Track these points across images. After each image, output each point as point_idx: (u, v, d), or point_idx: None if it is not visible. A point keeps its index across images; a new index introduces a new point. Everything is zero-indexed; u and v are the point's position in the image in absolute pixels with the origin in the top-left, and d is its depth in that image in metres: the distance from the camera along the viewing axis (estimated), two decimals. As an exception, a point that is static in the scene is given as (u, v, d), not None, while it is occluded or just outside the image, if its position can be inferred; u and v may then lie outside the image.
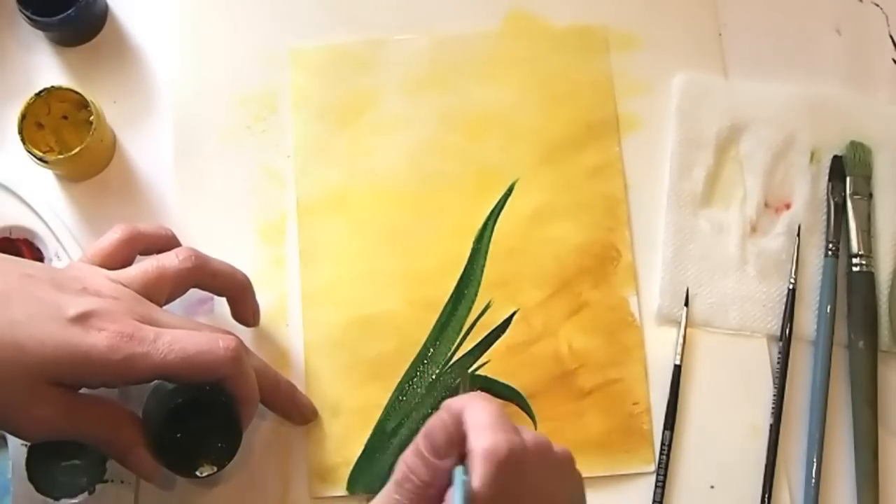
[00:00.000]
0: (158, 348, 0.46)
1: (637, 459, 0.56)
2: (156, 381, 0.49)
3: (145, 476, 0.50)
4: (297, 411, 0.56)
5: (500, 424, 0.41)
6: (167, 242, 0.54)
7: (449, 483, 0.41)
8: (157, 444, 0.49)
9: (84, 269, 0.50)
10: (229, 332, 0.51)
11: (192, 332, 0.48)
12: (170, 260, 0.51)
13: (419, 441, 0.42)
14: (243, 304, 0.55)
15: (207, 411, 0.48)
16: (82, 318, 0.46)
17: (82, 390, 0.48)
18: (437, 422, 0.42)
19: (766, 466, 0.56)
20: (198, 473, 0.49)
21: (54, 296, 0.47)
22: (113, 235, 0.52)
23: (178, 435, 0.48)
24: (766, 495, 0.55)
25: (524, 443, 0.41)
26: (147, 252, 0.53)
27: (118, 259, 0.52)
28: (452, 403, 0.43)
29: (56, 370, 0.45)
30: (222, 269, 0.53)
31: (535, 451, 0.42)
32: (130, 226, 0.53)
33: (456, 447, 0.41)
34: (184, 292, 0.52)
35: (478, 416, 0.41)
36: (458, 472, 0.40)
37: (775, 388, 0.57)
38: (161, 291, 0.51)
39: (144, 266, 0.51)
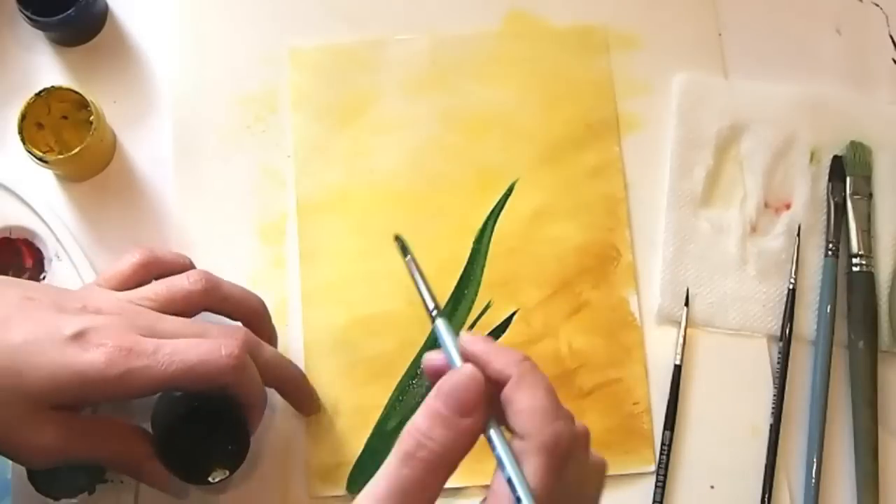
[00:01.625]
0: (159, 360, 0.46)
1: (637, 459, 0.56)
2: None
3: (160, 487, 0.49)
4: (307, 400, 0.55)
5: (557, 409, 0.38)
6: (183, 270, 0.52)
7: (470, 447, 0.38)
8: (166, 454, 0.48)
9: (92, 290, 0.50)
10: (238, 329, 0.50)
11: (193, 341, 0.47)
12: (180, 282, 0.50)
13: (435, 401, 0.38)
14: (258, 329, 0.52)
15: (214, 416, 0.48)
16: (79, 336, 0.45)
17: (86, 409, 0.47)
18: (462, 378, 0.38)
19: (766, 466, 0.56)
20: (210, 479, 0.48)
21: (53, 318, 0.46)
22: (130, 259, 0.52)
23: (187, 443, 0.48)
24: (767, 495, 0.55)
25: (576, 431, 0.39)
26: (162, 277, 0.52)
27: (132, 283, 0.51)
28: (471, 361, 0.39)
29: (56, 393, 0.45)
30: (235, 293, 0.52)
31: (584, 441, 0.40)
32: (147, 249, 0.52)
33: (483, 406, 0.38)
34: (194, 315, 0.51)
35: (532, 395, 0.38)
36: (494, 433, 0.38)
37: (775, 388, 0.57)
38: (170, 313, 0.49)
39: (154, 287, 0.50)
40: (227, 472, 0.49)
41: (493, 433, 0.38)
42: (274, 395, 0.56)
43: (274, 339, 0.55)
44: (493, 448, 0.38)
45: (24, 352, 0.45)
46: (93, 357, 0.45)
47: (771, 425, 0.56)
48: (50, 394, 0.45)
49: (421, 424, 0.38)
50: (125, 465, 0.49)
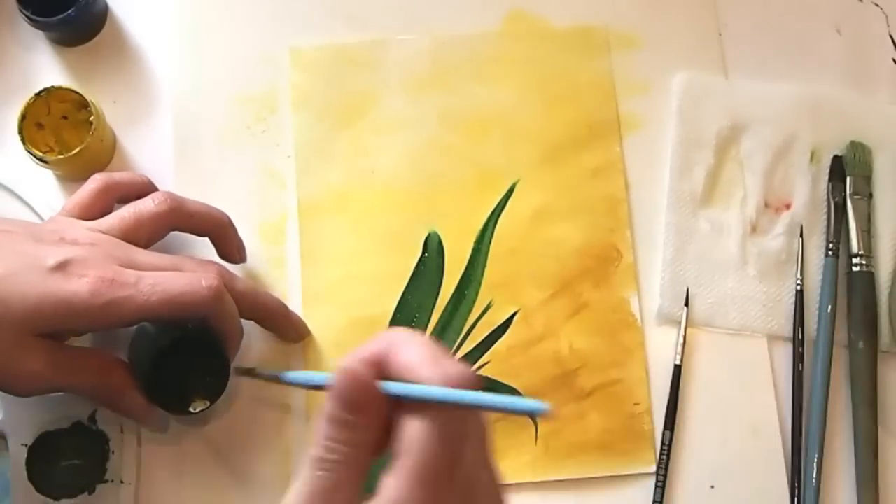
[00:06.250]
0: (141, 291, 0.47)
1: (637, 460, 0.56)
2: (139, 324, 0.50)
3: (140, 418, 0.51)
4: (291, 328, 0.56)
5: (444, 354, 0.37)
6: (143, 189, 0.54)
7: (376, 440, 0.37)
8: (147, 386, 0.50)
9: (62, 222, 0.51)
10: (211, 263, 0.51)
11: (173, 273, 0.48)
12: (146, 205, 0.52)
13: (330, 406, 0.37)
14: (226, 241, 0.55)
15: (193, 348, 0.49)
16: (62, 267, 0.46)
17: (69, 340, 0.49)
18: (344, 380, 0.37)
19: (791, 471, 0.56)
20: (191, 409, 0.50)
21: (33, 248, 0.47)
22: (89, 186, 0.53)
23: (168, 374, 0.49)
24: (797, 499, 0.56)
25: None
26: (125, 200, 0.53)
27: (96, 210, 0.52)
28: (361, 351, 0.38)
29: (41, 321, 0.46)
30: (199, 209, 0.53)
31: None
32: (106, 175, 0.54)
33: (376, 396, 0.37)
34: (163, 236, 0.52)
35: (414, 352, 0.37)
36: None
37: (792, 389, 0.57)
38: (139, 237, 0.51)
39: (121, 213, 0.51)
40: (208, 403, 0.50)
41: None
42: (267, 394, 0.56)
43: (242, 250, 0.56)
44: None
45: (8, 282, 0.45)
46: (77, 286, 0.46)
47: (791, 427, 0.56)
48: (36, 321, 0.46)
49: (324, 430, 0.37)
50: (106, 395, 0.50)
